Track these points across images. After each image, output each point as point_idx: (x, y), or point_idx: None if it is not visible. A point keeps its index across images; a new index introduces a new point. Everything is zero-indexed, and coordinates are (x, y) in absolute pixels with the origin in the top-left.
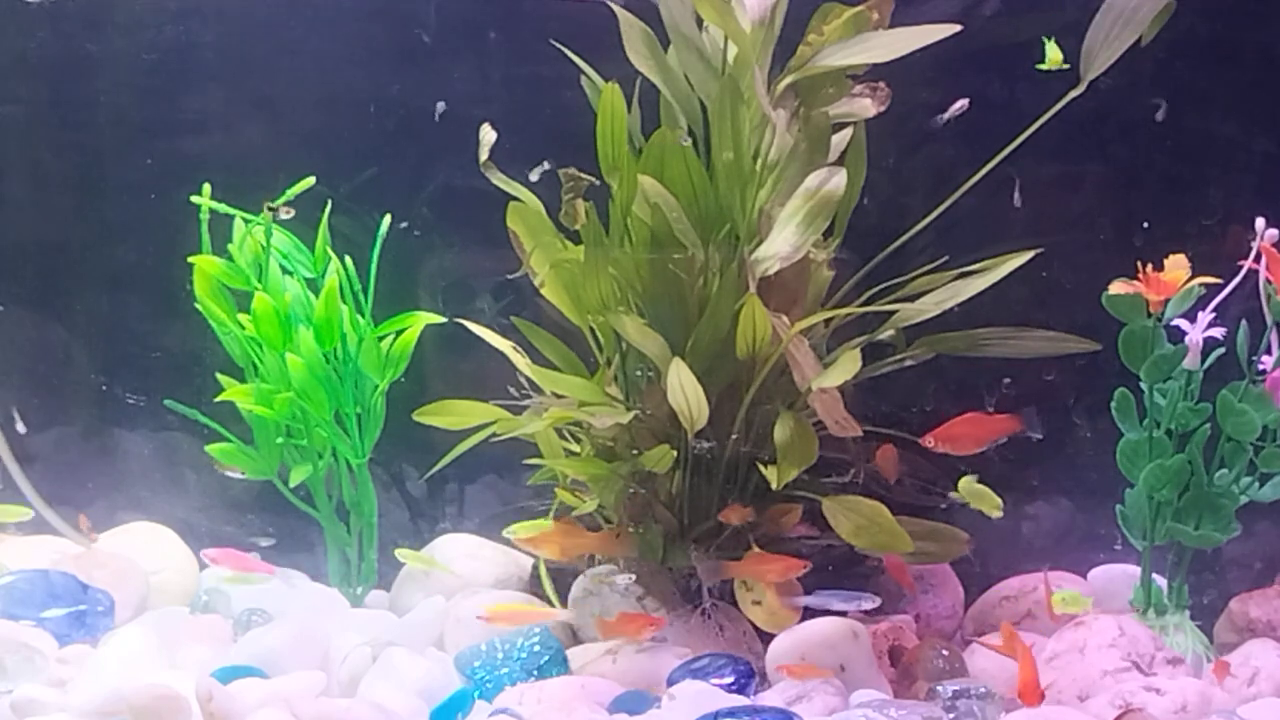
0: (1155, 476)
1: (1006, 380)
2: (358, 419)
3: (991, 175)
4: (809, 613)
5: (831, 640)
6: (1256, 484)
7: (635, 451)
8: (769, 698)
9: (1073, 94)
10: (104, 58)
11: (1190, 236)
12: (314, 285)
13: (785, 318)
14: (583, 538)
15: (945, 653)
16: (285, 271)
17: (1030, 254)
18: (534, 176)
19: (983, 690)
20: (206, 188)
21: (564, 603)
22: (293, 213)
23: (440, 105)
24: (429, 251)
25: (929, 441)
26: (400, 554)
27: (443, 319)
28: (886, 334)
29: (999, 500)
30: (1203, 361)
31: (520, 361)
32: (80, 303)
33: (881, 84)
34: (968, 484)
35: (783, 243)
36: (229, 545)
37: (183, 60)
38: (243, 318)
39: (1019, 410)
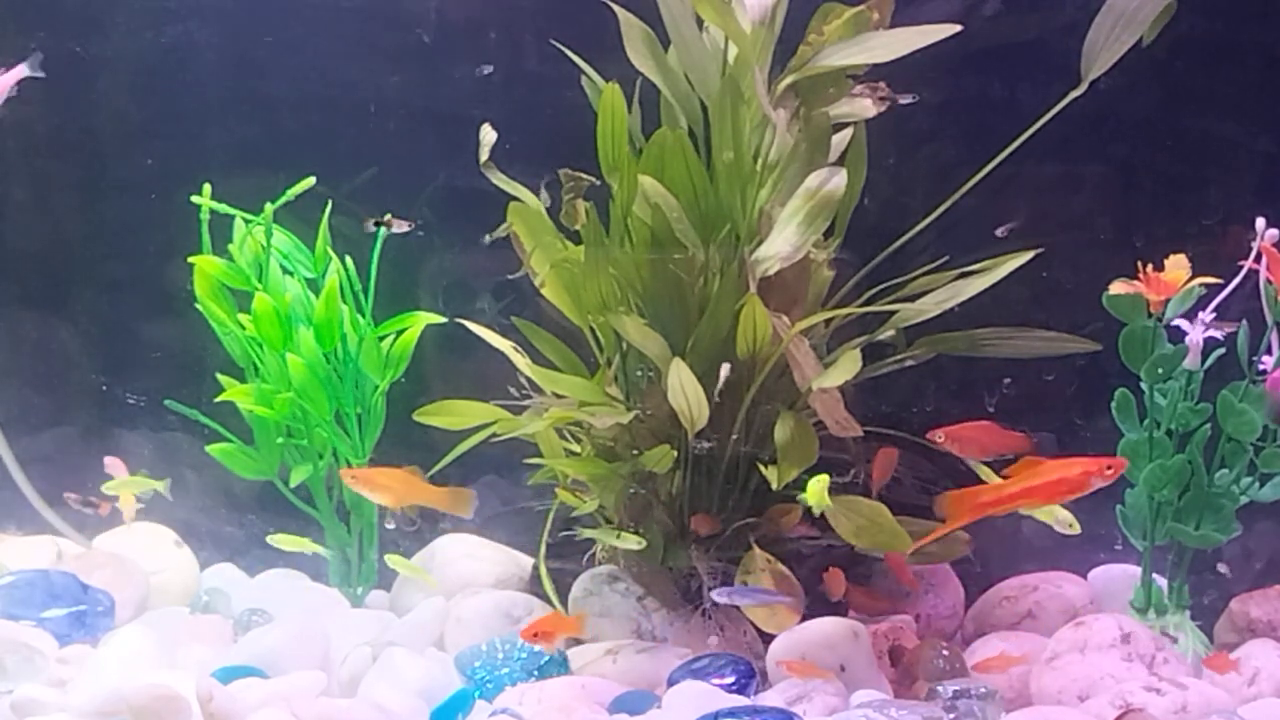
0: (1155, 476)
1: (1007, 380)
2: (358, 419)
3: (992, 175)
4: (809, 613)
5: (832, 640)
6: (1256, 484)
7: (635, 451)
8: (769, 698)
9: (1073, 94)
10: (103, 57)
11: (1190, 236)
12: (314, 285)
13: (785, 318)
14: (423, 489)
15: (945, 653)
16: (285, 271)
17: (1030, 254)
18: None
19: (983, 690)
20: (207, 188)
21: (564, 603)
22: (407, 227)
23: (487, 69)
24: (429, 251)
25: (938, 435)
26: (390, 560)
27: (443, 319)
28: (887, 334)
29: (1071, 518)
30: (1203, 362)
31: (520, 361)
32: (80, 303)
33: (882, 84)
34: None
35: (783, 243)
36: (230, 547)
37: (182, 60)
38: (243, 318)
39: (1030, 418)
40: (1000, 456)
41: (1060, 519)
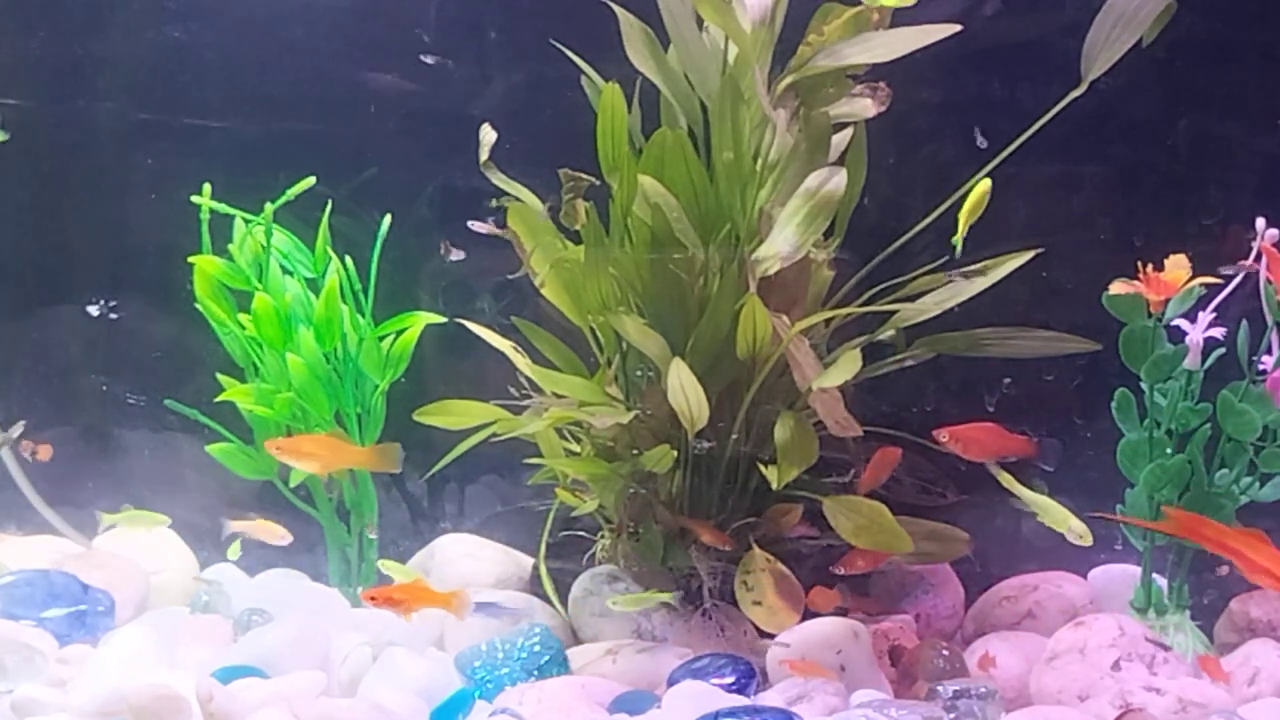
0: (1155, 476)
1: (1007, 380)
2: (358, 419)
3: (992, 175)
4: (809, 613)
5: (832, 640)
6: (1257, 484)
7: (635, 451)
8: (769, 698)
9: (1073, 94)
10: (103, 57)
11: (1190, 236)
12: (314, 285)
13: (785, 318)
14: (349, 452)
15: (945, 653)
16: (285, 271)
17: (1030, 254)
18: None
19: (983, 690)
20: (207, 188)
21: (564, 603)
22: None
23: (430, 59)
24: (429, 251)
25: (943, 435)
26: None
27: (443, 319)
28: (887, 334)
29: (1084, 528)
30: (1203, 362)
31: (520, 361)
32: (80, 303)
33: (882, 84)
34: (1051, 510)
35: (783, 243)
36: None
37: (182, 60)
38: (243, 318)
39: (1030, 418)
40: (1003, 458)
41: (1074, 529)
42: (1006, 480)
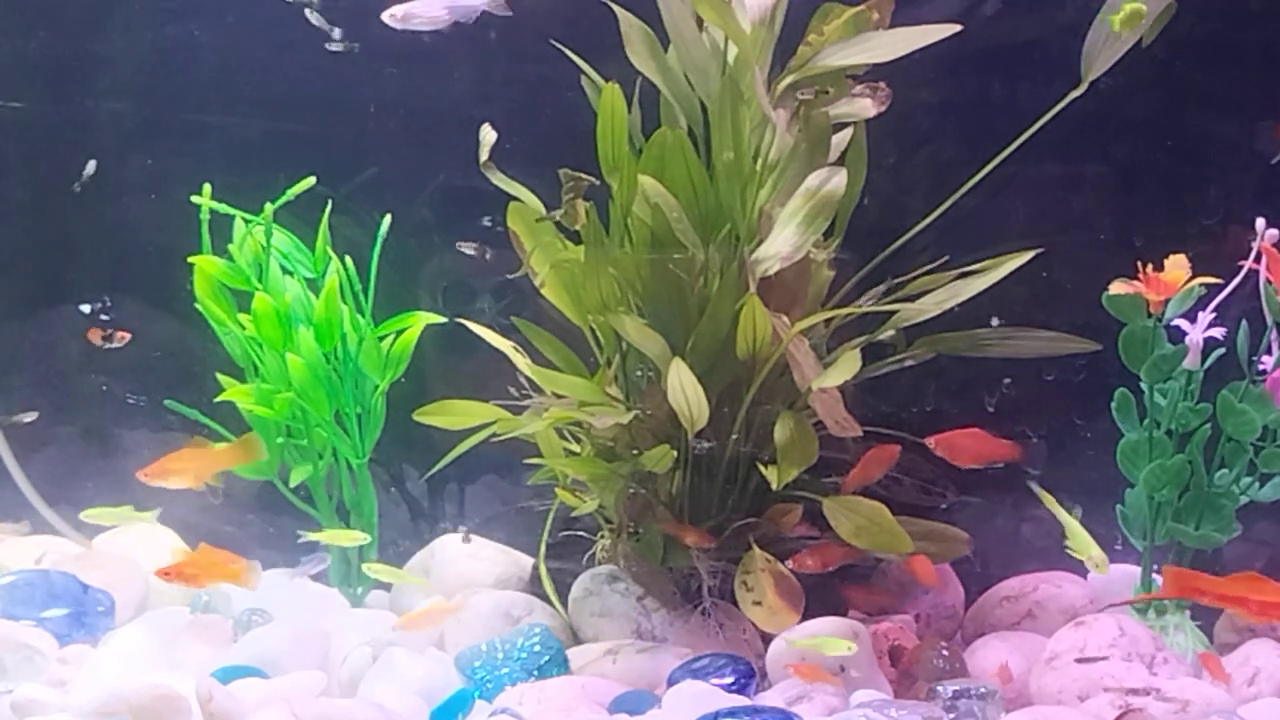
0: (1155, 476)
1: (1007, 380)
2: (358, 419)
3: (992, 175)
4: (809, 612)
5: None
6: (1256, 484)
7: (635, 451)
8: (769, 698)
9: (1073, 94)
10: (103, 57)
11: (1190, 236)
12: (314, 285)
13: (785, 318)
14: (218, 455)
15: (945, 653)
16: (285, 271)
17: (1030, 254)
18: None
19: (983, 690)
20: (207, 188)
21: (564, 602)
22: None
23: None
24: (429, 251)
25: (931, 443)
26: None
27: (443, 319)
28: (887, 334)
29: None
30: (1203, 362)
31: (520, 361)
32: (80, 303)
33: (882, 84)
34: (1078, 535)
35: (783, 243)
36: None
37: (182, 60)
38: (243, 318)
39: (1030, 419)
40: (991, 463)
41: (1093, 557)
42: (1047, 500)
